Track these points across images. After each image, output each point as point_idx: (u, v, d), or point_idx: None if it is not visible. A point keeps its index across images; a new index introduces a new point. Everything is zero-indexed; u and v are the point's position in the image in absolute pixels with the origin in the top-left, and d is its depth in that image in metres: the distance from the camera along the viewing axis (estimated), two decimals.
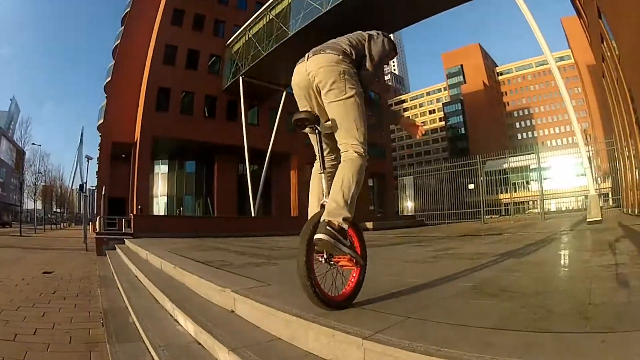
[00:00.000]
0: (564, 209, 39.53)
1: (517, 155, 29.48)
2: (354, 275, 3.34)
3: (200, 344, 3.37)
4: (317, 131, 3.28)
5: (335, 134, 3.31)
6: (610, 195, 28.62)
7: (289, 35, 31.41)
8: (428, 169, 32.82)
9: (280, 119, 40.60)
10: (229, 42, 42.33)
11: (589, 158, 18.43)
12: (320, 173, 3.39)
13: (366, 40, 3.58)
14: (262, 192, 39.27)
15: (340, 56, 3.30)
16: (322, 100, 3.33)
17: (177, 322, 4.15)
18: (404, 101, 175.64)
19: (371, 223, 27.26)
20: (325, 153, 3.42)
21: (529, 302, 3.17)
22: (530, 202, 40.96)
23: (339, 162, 3.28)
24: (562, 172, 30.75)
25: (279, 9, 33.51)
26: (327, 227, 2.93)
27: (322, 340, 2.61)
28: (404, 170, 33.80)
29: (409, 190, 32.93)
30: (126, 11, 46.72)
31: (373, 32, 3.70)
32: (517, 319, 2.67)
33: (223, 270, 5.93)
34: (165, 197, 44.68)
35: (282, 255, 8.88)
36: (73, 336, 4.54)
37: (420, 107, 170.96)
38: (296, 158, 46.90)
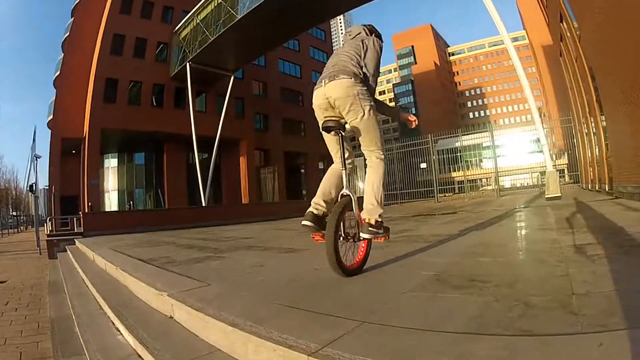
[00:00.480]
0: (518, 185, 40.02)
1: (470, 134, 30.13)
2: (363, 246, 4.17)
3: (140, 356, 3.14)
4: (340, 135, 4.01)
5: (360, 140, 4.21)
6: (566, 172, 28.86)
7: (237, 19, 30.67)
8: None
9: (228, 105, 40.19)
10: (176, 28, 41.22)
11: (545, 135, 18.18)
12: (342, 170, 4.10)
13: (362, 50, 4.17)
14: (212, 181, 38.83)
15: (352, 79, 3.87)
16: (341, 114, 3.98)
17: (119, 331, 3.89)
18: None
19: None
20: (346, 155, 4.13)
21: (503, 294, 2.79)
22: (484, 180, 41.34)
23: (353, 161, 4.37)
24: (516, 150, 31.35)
25: None
26: (369, 228, 3.87)
27: (263, 355, 2.30)
28: (354, 151, 32.92)
29: (360, 172, 32.45)
30: (76, 2, 44.98)
31: (365, 37, 4.31)
32: (492, 318, 2.29)
33: (165, 270, 5.59)
34: (117, 192, 43.22)
35: (230, 247, 8.46)
36: (23, 352, 4.55)
37: None
38: (245, 144, 46.68)
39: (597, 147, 17.61)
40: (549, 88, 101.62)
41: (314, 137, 56.34)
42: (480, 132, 27.39)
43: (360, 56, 4.11)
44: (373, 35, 4.43)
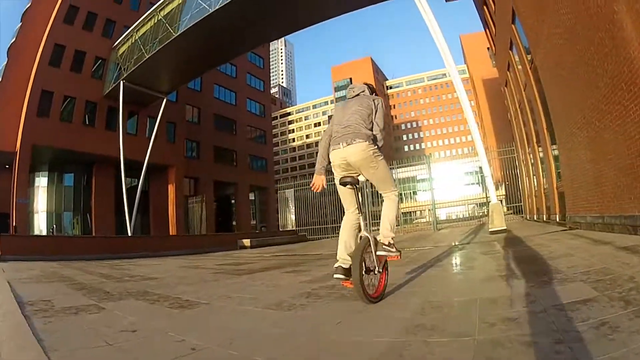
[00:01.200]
0: (454, 217, 39.98)
1: (405, 166, 29.58)
2: (382, 279, 4.74)
3: None
4: (356, 188, 4.80)
5: (377, 186, 4.98)
6: (504, 202, 28.56)
7: (173, 37, 29.42)
8: (309, 182, 30.79)
9: (159, 129, 38.65)
10: (115, 44, 39.26)
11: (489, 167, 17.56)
12: (359, 215, 4.85)
13: (373, 110, 4.86)
14: (140, 209, 37.09)
15: (367, 142, 4.55)
16: (359, 170, 4.73)
17: None
18: (289, 114, 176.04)
19: (249, 240, 25.52)
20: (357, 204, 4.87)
21: None
22: (418, 212, 41.12)
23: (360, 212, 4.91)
24: (452, 182, 30.97)
25: (168, 9, 31.27)
26: (384, 246, 4.61)
27: None
28: (286, 182, 32.18)
29: (290, 204, 31.47)
30: (27, 6, 42.56)
31: (370, 97, 5.00)
32: None
33: (28, 323, 4.31)
34: (45, 214, 40.39)
35: (123, 291, 7.04)
36: None
37: (305, 119, 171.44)
38: (174, 170, 44.54)
39: (545, 177, 17.15)
40: (487, 121, 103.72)
41: (245, 166, 55.43)
42: (416, 165, 26.77)
43: (370, 116, 4.80)
44: (374, 94, 5.16)
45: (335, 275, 4.48)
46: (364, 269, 4.37)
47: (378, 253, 4.56)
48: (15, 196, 34.28)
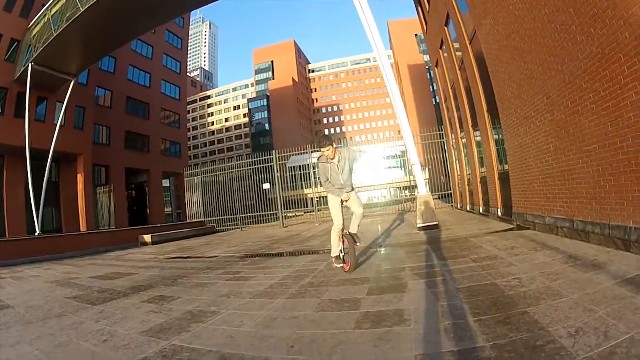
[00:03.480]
0: (375, 200, 39.23)
1: (320, 150, 28.29)
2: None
3: None
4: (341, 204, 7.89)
5: (351, 201, 7.88)
6: (427, 186, 27.90)
7: (79, 13, 26.57)
8: (216, 167, 29.73)
9: (67, 114, 35.52)
10: (30, 24, 35.51)
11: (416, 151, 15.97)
12: (343, 224, 7.79)
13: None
14: (52, 202, 34.38)
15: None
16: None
17: None
18: (209, 97, 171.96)
19: (150, 236, 22.13)
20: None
21: None
22: None
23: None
24: (373, 165, 29.74)
25: None
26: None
27: None
28: (202, 167, 30.20)
29: (197, 193, 29.50)
30: None
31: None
32: None
33: None
34: None
35: None
36: None
37: (225, 103, 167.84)
38: (82, 158, 40.98)
39: (483, 165, 15.57)
40: (410, 106, 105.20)
41: (158, 152, 52.97)
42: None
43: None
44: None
45: (335, 265, 7.91)
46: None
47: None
48: None
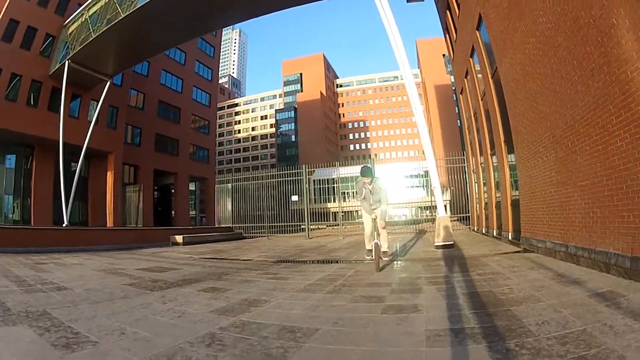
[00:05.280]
0: (396, 219, 39.65)
1: (348, 166, 29.62)
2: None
3: None
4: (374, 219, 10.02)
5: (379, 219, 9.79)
6: (448, 208, 28.38)
7: (120, 18, 27.77)
8: (248, 176, 30.48)
9: (101, 112, 36.75)
10: (66, 22, 36.89)
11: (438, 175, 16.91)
12: (374, 235, 9.89)
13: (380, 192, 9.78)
14: (80, 196, 35.37)
15: (383, 209, 9.85)
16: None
17: None
18: (237, 105, 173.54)
19: (181, 237, 23.32)
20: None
21: None
22: (360, 211, 41.01)
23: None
24: (396, 183, 31.19)
25: None
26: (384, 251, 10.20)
27: None
28: (228, 175, 31.16)
29: (227, 199, 30.47)
30: None
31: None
32: None
33: None
34: None
35: (29, 306, 6.16)
36: None
37: (252, 112, 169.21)
38: (113, 157, 42.50)
39: (498, 190, 16.53)
40: (435, 127, 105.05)
41: (186, 156, 54.04)
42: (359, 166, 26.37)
43: (379, 195, 9.67)
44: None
45: (367, 258, 10.40)
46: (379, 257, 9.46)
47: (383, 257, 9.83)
48: None
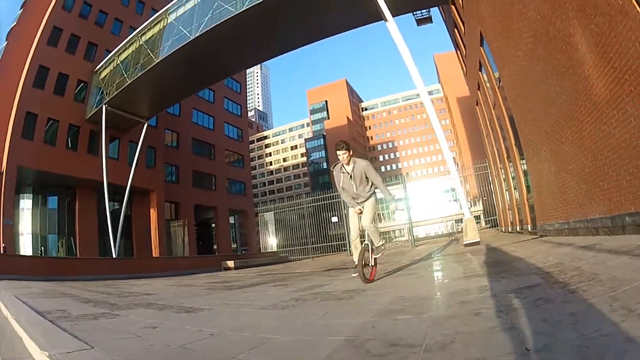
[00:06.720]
0: (432, 234, 40.35)
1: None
2: (373, 270, 7.71)
3: None
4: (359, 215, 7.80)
5: (365, 214, 7.74)
6: (482, 218, 29.24)
7: (154, 63, 29.69)
8: (289, 204, 31.67)
9: (140, 154, 38.59)
10: (97, 68, 39.08)
11: (461, 184, 18.36)
12: (360, 234, 7.82)
13: (368, 174, 7.68)
14: (123, 232, 36.60)
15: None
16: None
17: None
18: (266, 137, 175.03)
19: (232, 262, 26.28)
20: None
21: None
22: (397, 231, 41.39)
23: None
24: (429, 200, 31.83)
25: (149, 34, 31.69)
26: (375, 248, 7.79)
27: None
28: (265, 206, 32.74)
29: (270, 226, 31.95)
30: (12, 25, 42.06)
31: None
32: None
33: (55, 325, 4.82)
34: (30, 236, 39.58)
35: (129, 303, 7.62)
36: None
37: (282, 143, 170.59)
38: (155, 195, 44.52)
39: (516, 190, 17.89)
40: (462, 138, 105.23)
41: (224, 190, 55.25)
42: (392, 185, 27.26)
43: (367, 179, 7.69)
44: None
45: (353, 275, 7.56)
46: (365, 264, 7.34)
47: (374, 255, 7.72)
48: (1, 217, 34.20)
